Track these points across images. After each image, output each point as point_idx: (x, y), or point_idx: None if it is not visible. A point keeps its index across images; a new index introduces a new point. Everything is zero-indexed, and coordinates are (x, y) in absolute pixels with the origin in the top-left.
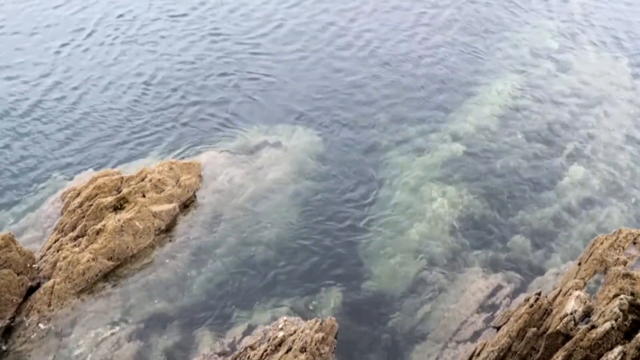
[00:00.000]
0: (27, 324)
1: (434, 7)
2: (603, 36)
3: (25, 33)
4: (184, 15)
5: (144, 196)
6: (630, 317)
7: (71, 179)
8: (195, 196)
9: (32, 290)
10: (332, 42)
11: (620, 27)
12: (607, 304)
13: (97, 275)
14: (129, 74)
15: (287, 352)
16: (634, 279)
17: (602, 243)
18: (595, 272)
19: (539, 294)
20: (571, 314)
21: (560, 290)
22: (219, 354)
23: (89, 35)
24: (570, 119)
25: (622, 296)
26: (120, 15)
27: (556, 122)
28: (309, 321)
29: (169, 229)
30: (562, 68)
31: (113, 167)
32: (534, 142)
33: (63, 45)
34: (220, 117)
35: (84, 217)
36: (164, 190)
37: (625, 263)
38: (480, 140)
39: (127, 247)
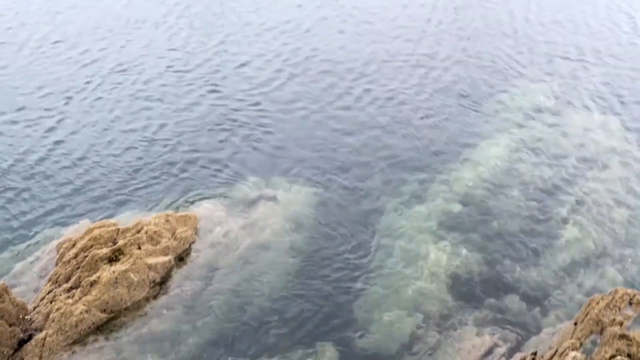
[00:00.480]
0: None
1: (437, 69)
2: (597, 98)
3: (31, 86)
4: (189, 71)
5: (139, 248)
6: None
7: (67, 229)
8: (191, 249)
9: (23, 342)
10: (333, 102)
11: (615, 90)
12: None
13: (90, 327)
14: (130, 126)
15: None
16: (630, 340)
17: (598, 303)
18: (591, 333)
19: (535, 353)
20: None
21: (557, 351)
22: None
23: (95, 88)
24: (565, 178)
25: (618, 357)
26: (126, 70)
27: (551, 181)
28: None
29: (163, 281)
30: (557, 128)
31: (110, 218)
32: (529, 200)
33: (68, 98)
34: (218, 171)
35: (78, 268)
36: (159, 243)
37: (621, 324)
38: (477, 197)
39: (121, 300)
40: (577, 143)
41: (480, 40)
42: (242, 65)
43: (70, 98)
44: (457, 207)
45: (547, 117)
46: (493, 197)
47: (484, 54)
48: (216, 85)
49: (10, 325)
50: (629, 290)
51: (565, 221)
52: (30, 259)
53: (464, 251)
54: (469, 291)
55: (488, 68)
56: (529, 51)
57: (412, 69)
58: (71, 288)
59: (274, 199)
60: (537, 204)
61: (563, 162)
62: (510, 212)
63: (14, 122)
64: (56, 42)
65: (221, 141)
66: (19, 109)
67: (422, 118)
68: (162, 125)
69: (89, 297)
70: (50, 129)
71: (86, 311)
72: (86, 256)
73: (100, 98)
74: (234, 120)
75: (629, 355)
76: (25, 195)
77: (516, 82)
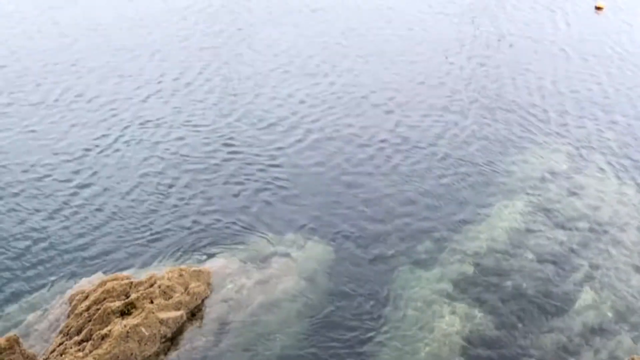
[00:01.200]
0: None
1: (453, 128)
2: (613, 162)
3: (49, 137)
4: (207, 125)
5: (152, 302)
6: None
7: (81, 281)
8: (203, 304)
9: None
10: (349, 159)
11: (631, 155)
12: None
13: None
14: (146, 179)
15: None
16: None
17: None
18: None
19: None
20: None
21: None
22: None
23: (114, 140)
24: (580, 242)
25: None
26: (144, 123)
27: (567, 245)
28: None
29: (175, 336)
30: (572, 191)
31: (123, 270)
32: (544, 263)
33: (86, 150)
34: (232, 225)
35: (90, 321)
36: (172, 297)
37: None
38: (491, 259)
39: (132, 354)
40: (593, 207)
41: (496, 101)
42: (260, 120)
43: (88, 150)
44: (471, 269)
45: (562, 180)
46: (508, 260)
47: (499, 115)
48: (232, 138)
49: None
50: None
51: (580, 285)
52: (42, 310)
53: (478, 314)
54: (483, 355)
55: (503, 129)
56: (544, 114)
57: (428, 127)
58: (82, 341)
59: (287, 255)
60: (552, 268)
61: (578, 226)
62: (525, 274)
63: (30, 173)
64: (78, 95)
65: (235, 195)
66: (37, 160)
67: (437, 177)
68: (177, 178)
69: (99, 351)
70: (66, 180)
71: None
72: (98, 309)
73: (117, 150)
74: (249, 175)
75: None
76: (41, 245)
77: (531, 144)
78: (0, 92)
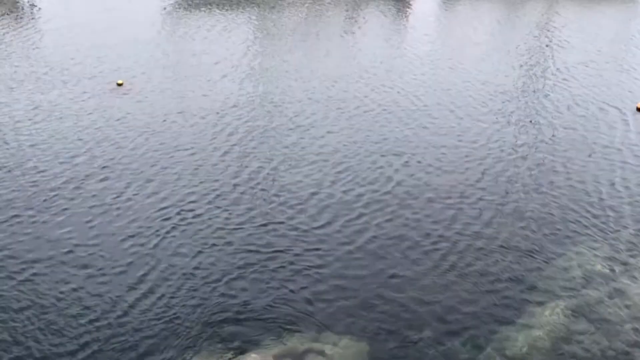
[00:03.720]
0: None
1: (491, 226)
2: None
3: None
4: (237, 204)
5: None
6: None
7: None
8: None
9: None
10: (393, 249)
11: None
12: None
13: None
14: (176, 269)
15: None
16: None
17: None
18: None
19: None
20: None
21: None
22: None
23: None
24: (622, 349)
25: None
26: (182, 212)
27: (609, 350)
28: None
29: None
30: (614, 295)
31: None
32: None
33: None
34: (265, 320)
35: None
36: None
37: None
38: None
39: None
40: (636, 312)
41: (536, 198)
42: (290, 207)
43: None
44: None
45: (604, 284)
46: None
47: (539, 212)
48: (269, 219)
49: None
50: None
51: None
52: None
53: None
54: None
55: (544, 228)
56: (587, 213)
57: (466, 222)
58: None
59: (322, 353)
60: None
61: (620, 331)
62: None
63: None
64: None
65: (268, 287)
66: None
67: (474, 276)
68: (207, 267)
69: None
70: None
71: None
72: None
73: (141, 245)
74: (284, 262)
75: None
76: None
77: (573, 245)
78: None
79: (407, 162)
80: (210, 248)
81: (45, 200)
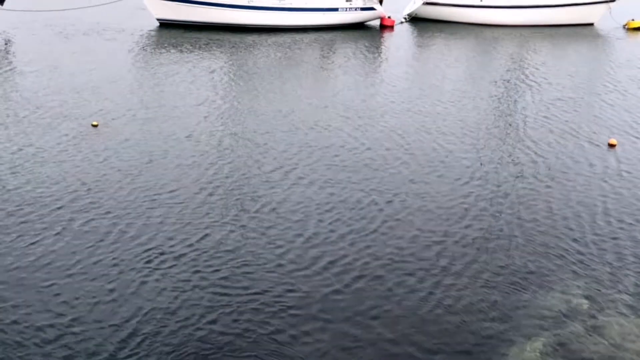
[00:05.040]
0: None
1: (475, 262)
2: (635, 303)
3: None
4: (219, 246)
5: None
6: None
7: None
8: None
9: None
10: (377, 287)
11: None
12: None
13: None
14: (157, 311)
15: None
16: None
17: None
18: None
19: None
20: None
21: None
22: None
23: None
24: None
25: None
26: (164, 254)
27: None
28: None
29: None
30: (591, 332)
31: None
32: None
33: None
34: None
35: None
36: None
37: None
38: None
39: None
40: (613, 348)
41: (518, 235)
42: (274, 248)
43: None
44: None
45: (581, 321)
46: None
47: (521, 249)
48: (243, 265)
49: None
50: None
51: None
52: None
53: None
54: None
55: (528, 263)
56: (564, 251)
57: (449, 259)
58: None
59: None
60: None
61: None
62: None
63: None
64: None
65: (247, 330)
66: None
67: (458, 313)
68: (188, 317)
69: None
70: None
71: None
72: None
73: (125, 286)
74: (261, 307)
75: None
76: None
77: (555, 281)
78: None
79: (390, 201)
80: (192, 290)
81: (27, 246)
